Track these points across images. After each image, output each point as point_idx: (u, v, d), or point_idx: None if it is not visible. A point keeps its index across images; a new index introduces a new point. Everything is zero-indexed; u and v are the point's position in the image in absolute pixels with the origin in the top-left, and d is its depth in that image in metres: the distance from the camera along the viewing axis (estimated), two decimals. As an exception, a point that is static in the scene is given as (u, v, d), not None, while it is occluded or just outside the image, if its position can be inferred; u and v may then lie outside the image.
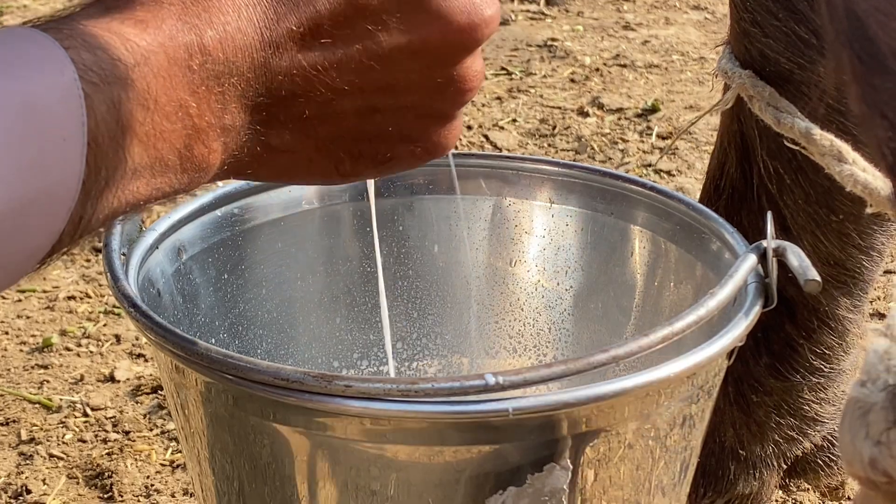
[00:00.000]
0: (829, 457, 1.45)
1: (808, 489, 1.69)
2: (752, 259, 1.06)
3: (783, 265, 1.06)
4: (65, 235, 0.76)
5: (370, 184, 1.22)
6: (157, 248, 1.16)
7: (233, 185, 1.26)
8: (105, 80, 0.75)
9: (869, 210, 1.11)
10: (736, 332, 1.01)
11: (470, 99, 0.93)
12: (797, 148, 1.17)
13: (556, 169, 1.32)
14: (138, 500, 1.78)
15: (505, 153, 2.75)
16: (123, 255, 1.10)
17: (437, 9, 0.87)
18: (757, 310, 1.04)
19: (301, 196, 1.29)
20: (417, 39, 0.87)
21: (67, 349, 2.10)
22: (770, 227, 1.06)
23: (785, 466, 1.45)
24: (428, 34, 0.87)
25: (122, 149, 0.77)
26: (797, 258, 1.04)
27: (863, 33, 0.57)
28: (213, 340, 1.23)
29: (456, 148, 2.66)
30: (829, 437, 1.44)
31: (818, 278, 1.01)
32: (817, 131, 1.13)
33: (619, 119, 2.92)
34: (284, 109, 0.87)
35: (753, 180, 1.29)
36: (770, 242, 1.06)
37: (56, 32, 0.76)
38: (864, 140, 0.58)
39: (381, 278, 1.25)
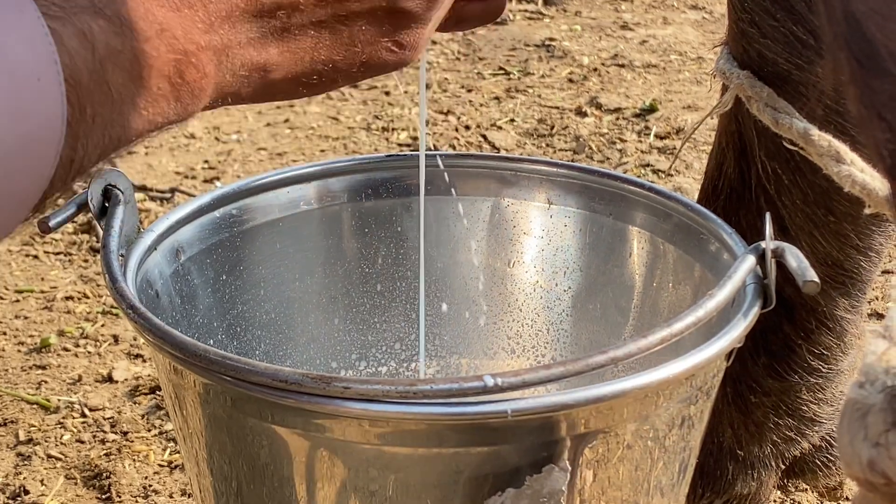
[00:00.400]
0: (827, 457, 1.45)
1: (807, 489, 1.69)
2: (750, 260, 1.05)
3: (781, 266, 1.05)
4: (56, 179, 0.75)
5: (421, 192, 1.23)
6: (156, 249, 1.16)
7: (231, 185, 1.26)
8: (70, 13, 0.74)
9: (867, 211, 1.11)
10: (734, 333, 1.01)
11: (438, 2, 0.97)
12: (795, 148, 1.17)
13: (555, 170, 1.32)
14: (136, 501, 1.78)
15: (503, 153, 2.75)
16: (122, 256, 1.10)
17: None
18: (755, 311, 1.04)
19: (300, 197, 1.29)
20: None
21: (65, 349, 2.10)
22: (768, 228, 1.06)
23: (783, 467, 1.45)
24: None
25: (105, 82, 0.75)
26: (796, 259, 1.04)
27: (861, 35, 0.57)
28: (212, 341, 1.23)
29: (454, 148, 2.66)
30: (828, 438, 1.44)
31: (816, 279, 1.00)
32: (815, 132, 1.13)
33: (617, 119, 2.92)
34: (267, 23, 0.88)
35: (751, 181, 1.29)
36: (769, 243, 1.06)
37: None
38: (862, 141, 0.58)
39: (422, 268, 1.25)
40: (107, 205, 1.12)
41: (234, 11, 0.84)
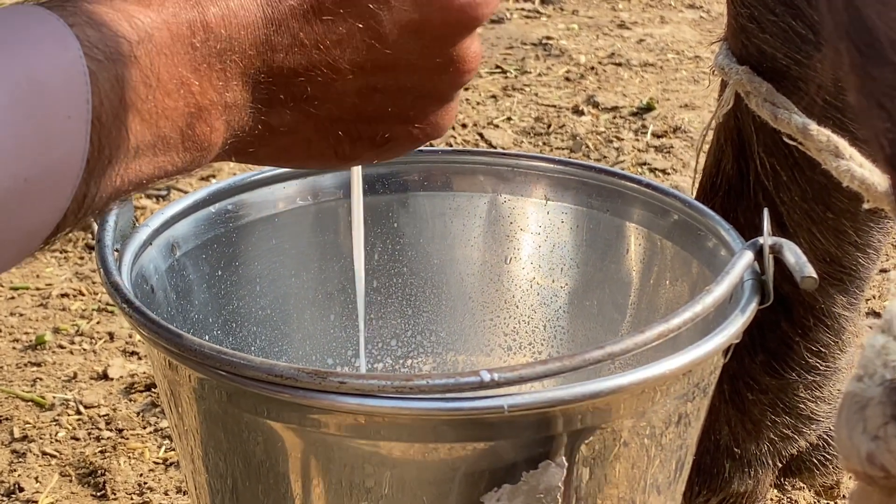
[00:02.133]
0: (824, 455, 1.45)
1: (803, 488, 1.68)
2: (748, 256, 1.05)
3: (779, 262, 1.05)
4: (69, 214, 0.77)
5: (355, 172, 1.21)
6: (151, 244, 1.16)
7: (226, 180, 1.25)
8: (109, 58, 0.76)
9: (866, 206, 1.11)
10: (732, 329, 1.01)
11: (468, 80, 0.94)
12: (794, 144, 1.16)
13: (552, 166, 1.31)
14: (131, 499, 1.78)
15: (501, 149, 2.75)
16: (117, 251, 1.10)
17: None
18: (753, 307, 1.04)
19: (295, 193, 1.29)
20: (418, 18, 0.88)
21: (60, 347, 2.10)
22: (766, 224, 1.06)
23: (780, 465, 1.45)
24: (429, 13, 0.88)
25: (125, 126, 0.77)
26: (794, 255, 1.04)
27: (861, 24, 0.57)
28: (207, 337, 1.22)
29: (450, 145, 2.66)
30: (825, 436, 1.44)
31: (815, 275, 1.00)
32: (814, 127, 1.13)
33: (614, 118, 2.92)
34: (285, 88, 0.87)
35: (750, 177, 1.29)
36: (766, 239, 1.06)
37: (60, 10, 0.76)
38: (861, 132, 0.58)
39: (361, 276, 1.24)
40: (102, 199, 1.12)
41: (249, 70, 0.84)
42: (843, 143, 1.11)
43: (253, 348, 1.28)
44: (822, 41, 1.18)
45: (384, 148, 0.95)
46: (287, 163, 0.97)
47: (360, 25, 0.87)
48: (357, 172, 1.19)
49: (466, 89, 3.12)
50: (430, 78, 0.92)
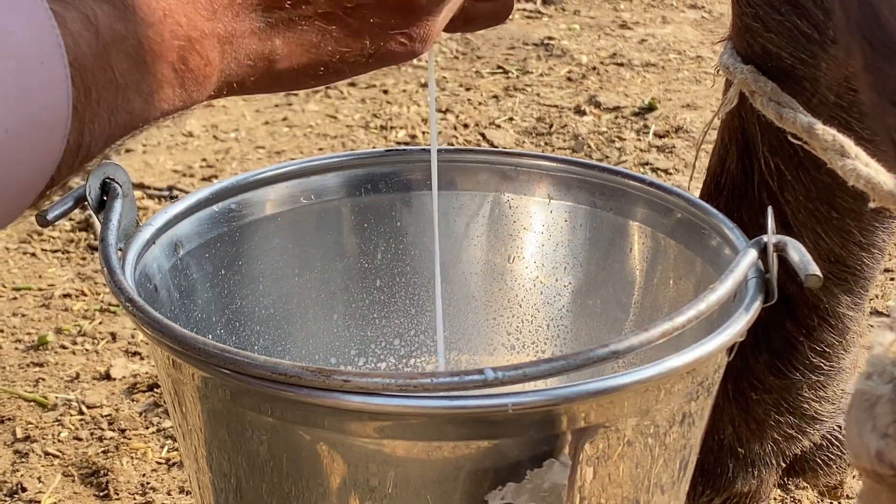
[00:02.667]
0: (827, 456, 1.45)
1: (807, 488, 1.69)
2: (752, 254, 1.05)
3: (784, 261, 1.05)
4: (63, 164, 0.75)
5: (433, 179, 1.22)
6: (154, 243, 1.15)
7: (230, 179, 1.25)
8: None
9: (871, 205, 1.10)
10: (736, 327, 1.01)
11: None
12: (799, 143, 1.16)
13: (555, 165, 1.31)
14: (134, 499, 1.78)
15: (504, 148, 2.75)
16: (120, 250, 1.10)
17: None
18: (757, 305, 1.03)
19: (298, 192, 1.29)
20: None
21: (63, 347, 2.10)
22: (770, 222, 1.06)
23: (784, 465, 1.45)
24: None
25: (109, 67, 0.75)
26: (798, 253, 1.03)
27: (875, 21, 0.57)
28: (210, 336, 1.22)
29: (451, 144, 2.66)
30: (828, 436, 1.44)
31: (819, 273, 1.00)
32: (819, 126, 1.12)
33: (616, 118, 2.92)
34: (273, 13, 0.87)
35: (754, 176, 1.29)
36: (770, 237, 1.05)
37: None
38: (872, 129, 0.58)
39: (438, 266, 1.25)
40: (105, 198, 1.12)
41: (237, 0, 0.83)
42: (848, 143, 1.10)
43: (256, 347, 1.28)
44: (828, 41, 1.18)
45: (372, 59, 0.96)
46: (280, 88, 0.97)
47: None
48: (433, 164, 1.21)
49: (468, 89, 3.12)
50: None
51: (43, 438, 1.88)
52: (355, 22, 0.93)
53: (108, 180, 1.12)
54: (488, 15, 1.07)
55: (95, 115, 0.75)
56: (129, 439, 1.88)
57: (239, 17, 0.85)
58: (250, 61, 0.88)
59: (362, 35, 0.95)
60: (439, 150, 1.32)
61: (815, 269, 1.00)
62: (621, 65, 3.21)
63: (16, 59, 0.70)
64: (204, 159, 2.80)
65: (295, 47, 0.91)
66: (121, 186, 1.11)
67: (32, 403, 1.97)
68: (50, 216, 1.08)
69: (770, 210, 1.06)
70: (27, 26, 0.71)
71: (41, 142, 0.73)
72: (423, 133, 2.87)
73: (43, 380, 2.02)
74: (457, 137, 2.81)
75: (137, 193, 2.56)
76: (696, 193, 1.33)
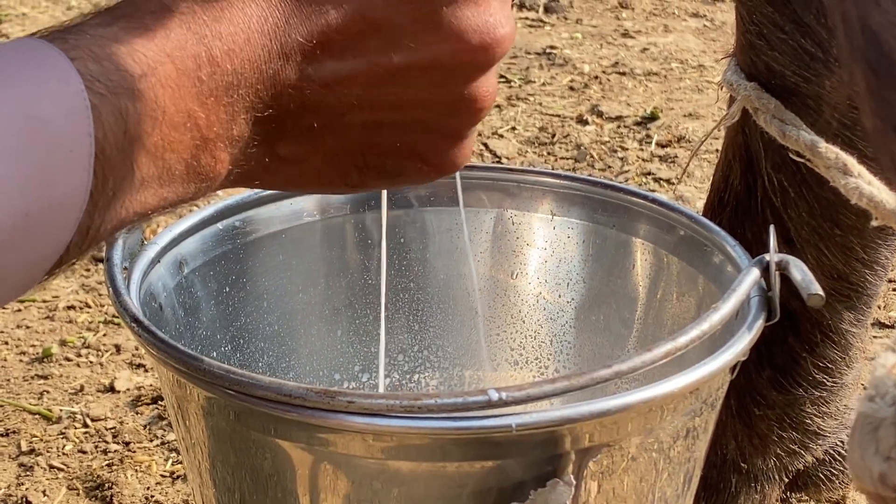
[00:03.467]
0: (830, 471, 1.45)
1: (809, 502, 1.68)
2: (754, 273, 1.05)
3: (786, 277, 1.05)
4: (72, 246, 0.76)
5: (384, 194, 1.22)
6: (159, 261, 1.16)
7: (234, 197, 1.25)
8: (112, 91, 0.75)
9: (874, 223, 1.10)
10: (739, 346, 1.01)
11: (481, 118, 0.92)
12: (802, 160, 1.17)
13: (558, 181, 1.32)
14: (138, 511, 1.78)
15: (505, 162, 2.75)
16: (125, 269, 1.10)
17: (449, 27, 0.86)
18: (760, 324, 1.04)
19: (302, 208, 1.29)
20: (429, 57, 0.86)
21: (67, 359, 2.10)
22: (773, 241, 1.06)
23: (786, 480, 1.45)
24: (440, 53, 0.86)
25: (130, 159, 0.76)
26: (800, 272, 1.04)
27: (878, 48, 0.57)
28: (215, 354, 1.23)
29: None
30: (831, 452, 1.44)
31: (821, 292, 1.00)
32: (823, 144, 1.13)
33: (619, 127, 2.92)
34: (293, 121, 0.86)
35: (758, 193, 1.29)
36: (773, 256, 1.06)
37: (62, 43, 0.75)
38: (875, 155, 0.58)
39: (384, 289, 1.25)
40: (110, 217, 1.12)
41: (256, 105, 0.83)
42: (851, 161, 1.11)
43: (260, 364, 1.28)
44: (832, 59, 1.18)
45: (393, 179, 0.94)
46: (294, 189, 0.97)
47: (369, 63, 0.85)
48: (384, 193, 1.21)
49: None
50: (440, 115, 0.90)
51: (48, 451, 1.89)
52: (381, 141, 0.90)
53: (112, 199, 1.12)
54: None
55: (109, 203, 0.77)
56: (134, 452, 1.88)
57: (256, 123, 0.85)
58: (263, 161, 0.87)
59: (386, 155, 0.92)
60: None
61: (817, 289, 1.00)
62: (623, 74, 3.21)
63: (47, 146, 0.72)
64: (207, 170, 2.80)
65: (310, 154, 0.89)
66: (125, 205, 1.12)
67: (37, 416, 1.97)
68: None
69: (772, 229, 1.07)
70: (64, 116, 0.72)
71: (56, 225, 0.74)
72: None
73: (47, 392, 2.02)
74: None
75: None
76: (691, 195, 1.33)
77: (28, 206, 0.71)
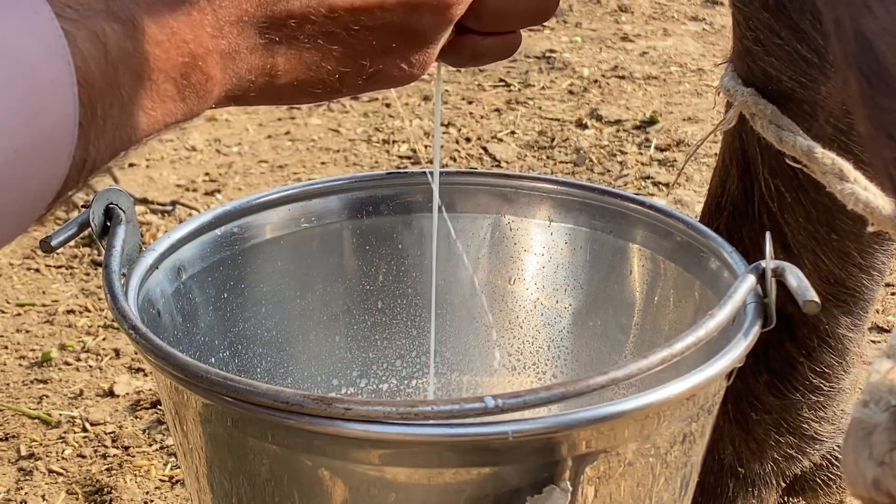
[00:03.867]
0: (827, 476, 1.45)
1: (807, 506, 1.69)
2: (750, 279, 1.05)
3: (783, 284, 1.06)
4: (69, 179, 0.76)
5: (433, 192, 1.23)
6: (157, 268, 1.16)
7: (232, 203, 1.26)
8: (83, 16, 0.75)
9: (870, 228, 1.11)
10: (735, 353, 1.01)
11: (449, 22, 0.99)
12: (799, 166, 1.17)
13: (556, 187, 1.32)
14: (137, 516, 1.78)
15: (504, 166, 2.75)
16: (123, 275, 1.10)
17: None
18: (756, 330, 1.04)
19: (300, 215, 1.29)
20: None
21: (67, 364, 2.10)
22: (769, 247, 1.06)
23: (783, 485, 1.45)
24: None
25: (116, 84, 0.76)
26: (796, 279, 1.04)
27: (871, 55, 0.57)
28: (213, 359, 1.23)
29: (454, 161, 2.66)
30: (828, 456, 1.44)
31: (817, 299, 1.01)
32: (819, 149, 1.13)
33: (618, 131, 2.92)
34: (279, 30, 0.88)
35: (755, 198, 1.29)
36: (769, 263, 1.06)
37: None
38: (868, 160, 0.58)
39: (434, 281, 1.26)
40: (108, 224, 1.12)
41: (243, 17, 0.84)
42: (847, 166, 1.11)
43: (258, 370, 1.28)
44: (828, 65, 1.19)
45: (372, 79, 0.99)
46: (279, 102, 0.98)
47: None
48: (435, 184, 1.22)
49: (470, 102, 3.12)
50: (412, 17, 0.96)
51: (47, 456, 1.89)
52: (357, 43, 0.95)
53: (111, 206, 1.12)
54: (496, 51, 1.08)
55: (101, 130, 0.76)
56: (133, 457, 1.88)
57: (243, 34, 0.86)
58: (251, 76, 0.89)
59: (363, 56, 0.96)
60: (442, 174, 1.33)
61: (812, 296, 1.00)
62: (623, 77, 3.21)
63: (27, 80, 0.71)
64: (207, 173, 2.81)
65: (296, 64, 0.92)
66: (124, 212, 1.12)
67: (36, 421, 1.97)
68: (54, 242, 1.08)
69: (768, 235, 1.07)
70: (39, 46, 0.72)
71: (48, 158, 0.74)
72: (426, 147, 2.87)
73: (47, 396, 2.02)
74: (459, 151, 2.82)
75: (140, 209, 2.56)
76: (689, 199, 1.34)
77: (17, 141, 0.71)
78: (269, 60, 0.89)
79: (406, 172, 1.34)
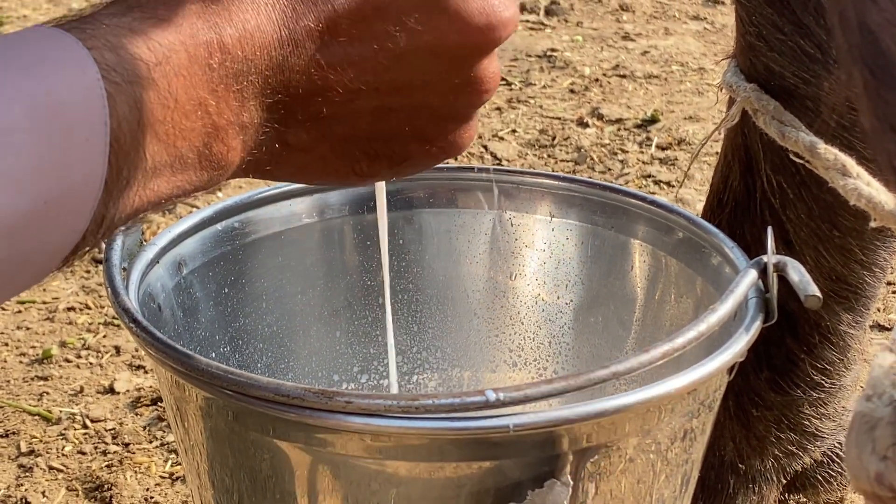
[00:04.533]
0: (828, 472, 1.45)
1: None
2: (752, 274, 1.05)
3: (785, 279, 1.06)
4: (88, 234, 0.77)
5: (380, 188, 1.21)
6: (158, 262, 1.16)
7: (233, 198, 1.26)
8: (127, 80, 0.76)
9: (873, 224, 1.10)
10: (736, 347, 1.01)
11: (486, 100, 0.94)
12: (801, 162, 1.17)
13: (557, 183, 1.32)
14: (137, 512, 1.78)
15: (505, 164, 2.75)
16: (124, 269, 1.10)
17: (455, 10, 0.87)
18: (757, 325, 1.04)
19: (301, 210, 1.29)
20: (434, 40, 0.87)
21: (67, 361, 2.10)
22: (770, 242, 1.06)
23: (784, 481, 1.45)
24: (445, 35, 0.88)
25: (143, 148, 0.77)
26: (797, 273, 1.04)
27: (875, 47, 0.57)
28: (214, 354, 1.23)
29: (455, 160, 2.67)
30: (829, 453, 1.44)
31: (818, 294, 1.00)
32: (822, 145, 1.13)
33: (619, 130, 2.92)
34: (302, 108, 0.87)
35: (757, 194, 1.29)
36: (770, 258, 1.06)
37: (79, 32, 0.76)
38: (873, 154, 0.58)
39: (387, 288, 1.25)
40: (109, 218, 1.12)
41: (266, 90, 0.84)
42: (850, 162, 1.11)
43: (259, 365, 1.28)
44: (831, 61, 1.19)
45: (402, 166, 0.95)
46: (304, 179, 0.98)
47: (376, 47, 0.86)
48: (381, 187, 1.20)
49: (475, 103, 3.12)
50: (447, 98, 0.91)
51: (47, 452, 1.89)
52: (388, 126, 0.92)
53: (111, 200, 1.12)
54: None
55: (122, 191, 0.77)
56: (133, 453, 1.88)
57: (269, 110, 0.85)
58: (277, 150, 0.89)
59: (394, 143, 0.93)
60: (442, 169, 1.33)
61: (814, 290, 1.00)
62: (624, 76, 3.21)
63: (65, 135, 0.73)
64: (207, 171, 2.80)
65: (324, 144, 0.91)
66: (125, 206, 1.12)
67: (37, 417, 1.97)
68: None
69: (770, 230, 1.07)
70: (82, 104, 0.73)
71: (71, 212, 0.75)
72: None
73: (47, 393, 2.02)
74: (460, 150, 2.81)
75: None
76: (691, 198, 1.33)
77: (47, 193, 0.72)
78: (293, 137, 0.89)
79: None
